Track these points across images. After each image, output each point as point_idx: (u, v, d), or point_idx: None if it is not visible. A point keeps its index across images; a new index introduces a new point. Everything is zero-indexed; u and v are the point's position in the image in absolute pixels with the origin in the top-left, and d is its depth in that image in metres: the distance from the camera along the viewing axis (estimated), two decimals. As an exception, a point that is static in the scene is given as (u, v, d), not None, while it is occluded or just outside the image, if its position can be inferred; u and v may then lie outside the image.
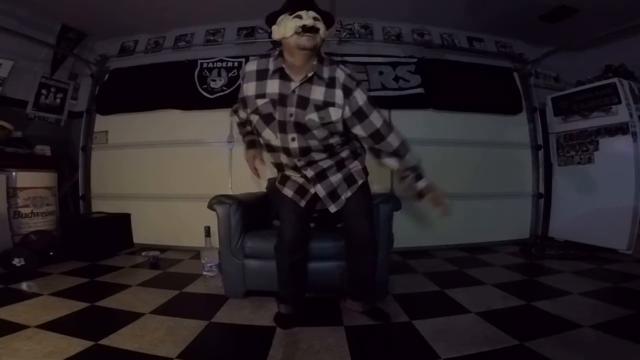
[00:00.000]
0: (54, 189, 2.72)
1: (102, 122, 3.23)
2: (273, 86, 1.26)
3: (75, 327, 1.39)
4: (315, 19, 1.18)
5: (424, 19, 3.14)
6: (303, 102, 1.25)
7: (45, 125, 3.13)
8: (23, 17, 2.74)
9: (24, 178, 2.48)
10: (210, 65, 3.04)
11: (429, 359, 1.16)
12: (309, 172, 1.36)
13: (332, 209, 1.39)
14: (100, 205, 3.19)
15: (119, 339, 1.28)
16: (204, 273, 2.09)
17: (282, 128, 1.28)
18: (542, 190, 3.17)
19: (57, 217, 2.73)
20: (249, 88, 1.30)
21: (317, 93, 1.25)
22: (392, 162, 1.35)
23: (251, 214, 1.78)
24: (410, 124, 2.94)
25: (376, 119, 1.29)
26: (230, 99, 2.88)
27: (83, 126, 3.23)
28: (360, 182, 1.42)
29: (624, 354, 1.14)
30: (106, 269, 2.31)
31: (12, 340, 1.25)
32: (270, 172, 1.62)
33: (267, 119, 1.28)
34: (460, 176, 3.01)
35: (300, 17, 1.17)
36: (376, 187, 1.93)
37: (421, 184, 1.32)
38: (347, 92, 1.25)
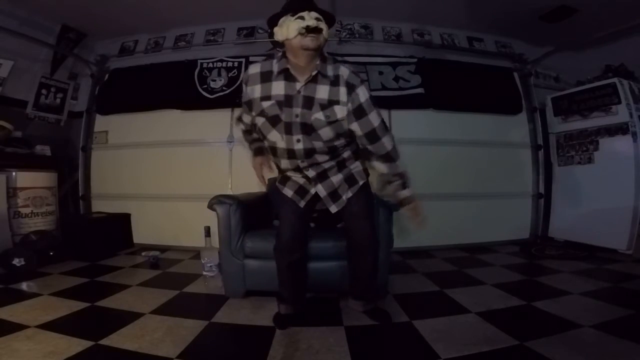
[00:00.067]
0: (54, 189, 2.72)
1: (102, 122, 3.23)
2: (278, 88, 1.27)
3: (75, 327, 1.39)
4: (317, 19, 1.18)
5: (424, 19, 3.14)
6: (308, 102, 1.25)
7: (45, 125, 3.13)
8: (23, 17, 2.74)
9: (24, 178, 2.48)
10: (210, 65, 3.04)
11: (429, 359, 1.16)
12: (311, 173, 1.37)
13: (333, 209, 1.39)
14: (100, 205, 3.19)
15: (119, 339, 1.28)
16: (204, 273, 2.09)
17: (288, 129, 1.28)
18: (542, 190, 3.17)
19: (57, 217, 2.73)
20: (254, 90, 1.30)
21: (322, 92, 1.26)
22: (381, 166, 1.37)
23: (251, 214, 1.78)
24: (410, 124, 2.95)
25: (374, 118, 1.30)
26: (230, 99, 2.90)
27: (83, 126, 3.23)
28: (361, 182, 1.42)
29: (624, 354, 1.14)
30: (106, 269, 2.31)
31: (12, 340, 1.25)
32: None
33: (274, 120, 1.29)
34: (460, 176, 3.02)
35: (302, 18, 1.17)
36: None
37: (405, 193, 1.35)
38: (351, 89, 1.26)
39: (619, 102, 2.59)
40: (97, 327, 1.40)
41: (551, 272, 2.18)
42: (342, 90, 1.26)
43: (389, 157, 1.34)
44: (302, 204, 1.40)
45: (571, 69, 3.33)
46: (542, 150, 3.18)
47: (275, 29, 1.25)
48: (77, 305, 1.62)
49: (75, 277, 2.11)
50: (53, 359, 1.13)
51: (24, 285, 1.94)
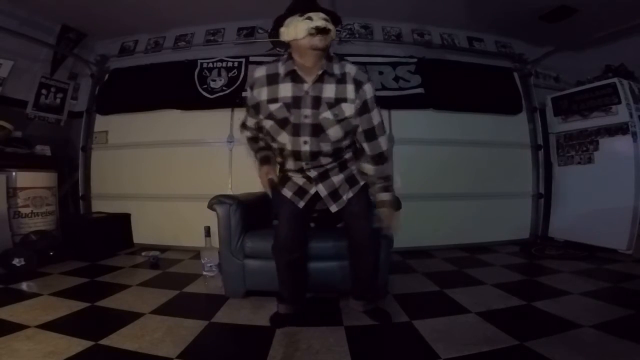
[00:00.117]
0: (54, 189, 2.72)
1: (102, 122, 3.23)
2: (285, 89, 1.27)
3: (75, 327, 1.39)
4: (325, 20, 1.19)
5: (424, 19, 3.14)
6: (316, 102, 1.26)
7: (45, 125, 3.13)
8: (23, 17, 2.74)
9: (24, 178, 2.48)
10: (210, 65, 3.04)
11: (429, 359, 1.16)
12: (312, 173, 1.37)
13: (333, 208, 1.39)
14: (100, 205, 3.19)
15: (118, 339, 1.28)
16: (204, 273, 2.09)
17: (296, 131, 1.28)
18: (542, 190, 3.17)
19: (57, 217, 2.73)
20: (261, 93, 1.30)
21: (328, 91, 1.27)
22: (369, 167, 1.38)
23: (251, 214, 1.78)
24: (410, 124, 2.95)
25: (375, 116, 1.33)
26: (230, 99, 2.89)
27: (83, 126, 3.23)
28: (362, 182, 1.42)
29: (624, 354, 1.14)
30: (106, 269, 2.31)
31: (12, 340, 1.25)
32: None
33: (283, 122, 1.29)
34: (460, 176, 3.02)
35: (311, 18, 1.18)
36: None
37: (385, 196, 1.37)
38: (359, 85, 1.28)
39: (619, 102, 2.59)
40: (97, 327, 1.40)
41: (551, 272, 2.18)
42: (350, 87, 1.27)
43: (381, 158, 1.36)
44: (301, 204, 1.40)
45: (571, 69, 3.33)
46: (542, 150, 3.18)
47: (282, 29, 1.25)
48: (77, 305, 1.62)
49: (75, 277, 2.11)
50: (53, 359, 1.13)
51: (24, 285, 1.94)
